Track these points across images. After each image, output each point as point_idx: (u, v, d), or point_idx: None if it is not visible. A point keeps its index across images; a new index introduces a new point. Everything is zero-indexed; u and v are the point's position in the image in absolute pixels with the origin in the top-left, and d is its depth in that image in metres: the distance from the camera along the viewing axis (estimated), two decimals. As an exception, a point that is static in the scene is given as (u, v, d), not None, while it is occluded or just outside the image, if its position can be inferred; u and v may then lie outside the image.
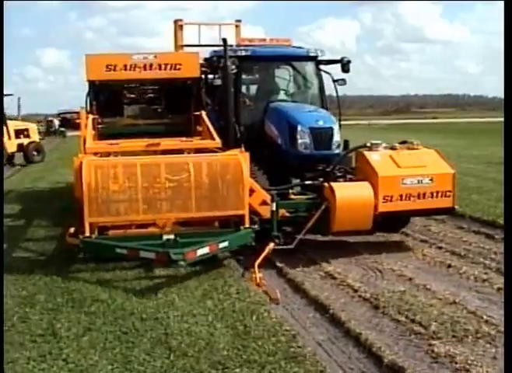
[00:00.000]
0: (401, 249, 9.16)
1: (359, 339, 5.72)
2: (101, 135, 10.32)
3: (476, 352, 5.38)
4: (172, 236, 7.74)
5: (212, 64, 10.77)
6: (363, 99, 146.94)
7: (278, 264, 8.32)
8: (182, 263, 7.30)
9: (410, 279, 7.58)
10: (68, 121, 52.26)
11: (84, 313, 6.42)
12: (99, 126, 10.46)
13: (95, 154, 8.71)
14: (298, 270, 8.08)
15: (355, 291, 7.19)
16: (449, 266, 8.19)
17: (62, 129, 51.69)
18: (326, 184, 8.68)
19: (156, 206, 8.00)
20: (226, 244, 7.83)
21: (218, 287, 7.17)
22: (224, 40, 9.87)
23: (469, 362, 5.14)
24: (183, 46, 12.58)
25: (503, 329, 5.81)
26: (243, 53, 10.69)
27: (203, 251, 7.50)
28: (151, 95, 11.39)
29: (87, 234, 7.69)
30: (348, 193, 8.43)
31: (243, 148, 8.44)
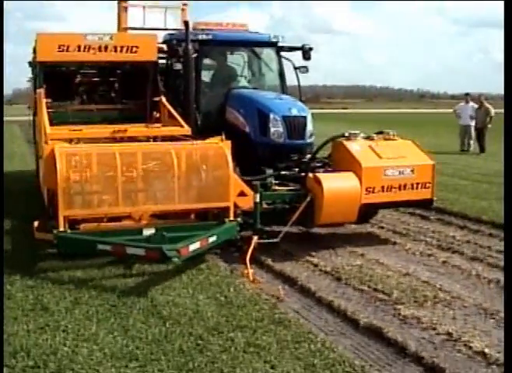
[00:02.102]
0: (346, 229, 9.79)
1: (332, 306, 6.32)
2: (51, 120, 9.50)
3: (437, 314, 6.10)
4: (152, 230, 7.37)
5: (172, 47, 10.39)
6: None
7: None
8: (176, 259, 6.69)
9: (362, 254, 8.25)
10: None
11: (67, 289, 6.64)
12: (49, 110, 9.79)
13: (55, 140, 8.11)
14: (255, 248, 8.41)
15: (315, 265, 7.79)
16: (394, 243, 8.93)
17: None
18: (310, 175, 8.39)
19: (137, 197, 7.56)
20: (214, 238, 7.42)
21: (188, 264, 7.50)
22: (186, 23, 9.65)
23: (434, 322, 5.85)
24: (127, 28, 11.97)
25: (456, 295, 6.61)
26: (204, 37, 10.41)
27: (195, 246, 7.05)
28: (105, 78, 11.03)
29: (62, 228, 7.08)
30: (336, 185, 8.16)
31: (223, 136, 7.98)
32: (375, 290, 6.78)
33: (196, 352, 5.10)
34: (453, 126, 25.02)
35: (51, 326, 5.66)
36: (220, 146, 7.82)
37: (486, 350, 5.20)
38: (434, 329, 5.70)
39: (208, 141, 8.04)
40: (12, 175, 15.07)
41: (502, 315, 5.94)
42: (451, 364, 4.99)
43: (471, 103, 22.19)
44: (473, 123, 21.87)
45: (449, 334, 5.57)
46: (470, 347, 5.30)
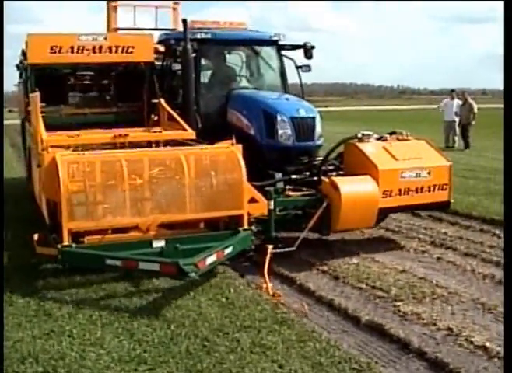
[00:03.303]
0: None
1: (332, 304, 6.44)
2: (44, 125, 8.90)
3: (436, 310, 6.24)
4: (162, 242, 6.97)
5: (170, 47, 10.09)
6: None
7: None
8: (193, 274, 6.18)
9: (357, 253, 8.34)
10: None
11: (67, 295, 6.68)
12: (42, 115, 9.11)
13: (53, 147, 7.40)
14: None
15: (312, 264, 7.88)
16: (388, 240, 9.07)
17: None
18: (326, 179, 8.09)
19: (145, 207, 7.10)
20: (230, 249, 6.96)
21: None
22: (184, 21, 9.25)
23: (434, 317, 5.99)
24: (117, 29, 11.66)
25: (453, 291, 6.74)
26: (203, 36, 9.96)
27: (212, 259, 6.60)
28: (99, 81, 10.75)
29: (66, 242, 6.64)
30: (353, 189, 7.79)
31: (234, 140, 7.56)
32: (373, 287, 6.90)
33: (203, 353, 5.16)
34: (435, 122, 25.20)
35: (56, 332, 5.69)
36: (232, 150, 7.42)
37: (487, 344, 5.33)
38: (434, 324, 5.83)
39: (217, 145, 7.66)
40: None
41: (499, 309, 6.09)
42: (454, 359, 5.11)
43: (456, 100, 22.39)
44: (457, 119, 22.07)
45: (449, 329, 5.70)
46: (471, 342, 5.43)
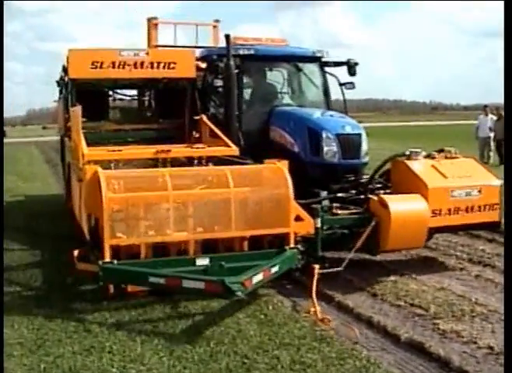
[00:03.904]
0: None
1: (371, 322, 6.39)
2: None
3: (476, 328, 6.16)
4: (206, 260, 6.80)
5: (212, 63, 9.97)
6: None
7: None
8: (240, 293, 6.03)
9: (394, 270, 8.28)
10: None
11: (106, 311, 6.72)
12: (83, 131, 8.70)
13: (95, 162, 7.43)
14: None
15: (350, 281, 7.83)
16: (425, 257, 8.99)
17: None
18: (374, 197, 7.90)
19: (189, 224, 6.93)
20: (276, 268, 6.81)
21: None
22: (227, 37, 9.14)
23: (474, 336, 5.91)
24: (157, 46, 11.59)
25: (493, 309, 6.65)
26: (246, 52, 9.87)
27: (258, 278, 6.44)
28: (140, 97, 10.84)
29: (108, 259, 6.51)
30: (403, 208, 7.59)
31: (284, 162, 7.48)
32: (412, 305, 6.85)
33: (243, 371, 5.18)
34: (469, 138, 24.97)
35: (96, 348, 5.75)
36: (278, 167, 7.33)
37: (530, 364, 5.23)
38: (475, 342, 5.77)
39: (267, 162, 7.63)
40: (37, 198, 15.26)
41: (542, 327, 5.98)
42: (496, 378, 5.05)
43: (490, 115, 22.23)
44: (492, 135, 21.90)
45: (490, 348, 5.63)
46: (513, 361, 5.34)
